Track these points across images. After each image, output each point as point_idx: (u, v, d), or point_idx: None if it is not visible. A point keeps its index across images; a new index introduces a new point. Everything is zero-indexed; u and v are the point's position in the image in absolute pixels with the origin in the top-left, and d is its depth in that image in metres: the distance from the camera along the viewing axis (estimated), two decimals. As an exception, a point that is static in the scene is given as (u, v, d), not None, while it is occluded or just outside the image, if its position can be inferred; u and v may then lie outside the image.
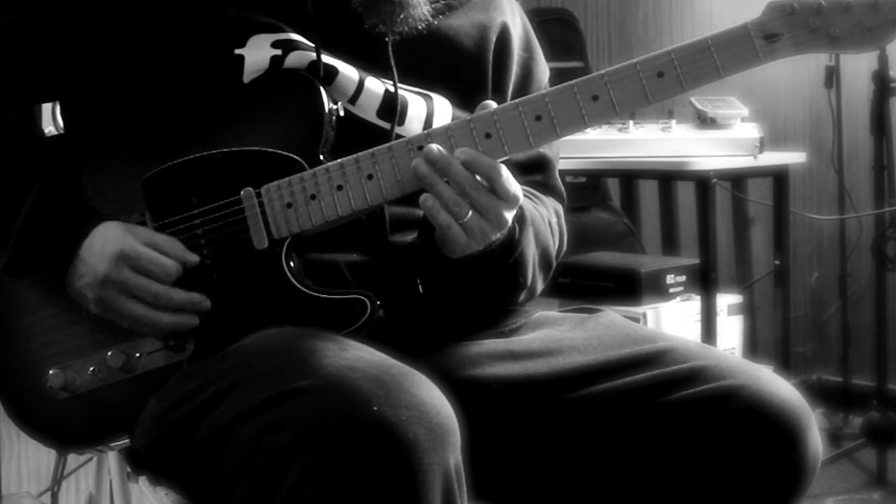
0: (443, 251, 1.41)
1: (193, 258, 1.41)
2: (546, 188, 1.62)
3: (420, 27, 1.46)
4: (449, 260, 1.41)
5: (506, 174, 1.36)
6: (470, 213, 1.36)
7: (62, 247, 1.41)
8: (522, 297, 1.54)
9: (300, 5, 1.45)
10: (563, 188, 1.66)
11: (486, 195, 1.35)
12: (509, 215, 1.39)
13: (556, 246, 1.59)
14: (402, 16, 1.44)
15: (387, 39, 1.45)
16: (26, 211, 1.41)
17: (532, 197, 1.57)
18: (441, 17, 1.52)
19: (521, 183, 1.57)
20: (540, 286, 1.56)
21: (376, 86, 1.47)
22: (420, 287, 1.46)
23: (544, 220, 1.55)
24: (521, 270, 1.49)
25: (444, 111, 1.51)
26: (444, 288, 1.47)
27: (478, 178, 1.35)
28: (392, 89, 1.47)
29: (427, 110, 1.50)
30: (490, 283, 1.49)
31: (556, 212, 1.61)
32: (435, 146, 1.35)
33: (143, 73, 1.45)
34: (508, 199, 1.37)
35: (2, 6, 1.46)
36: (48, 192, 1.43)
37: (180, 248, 1.41)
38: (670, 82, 1.35)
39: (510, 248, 1.44)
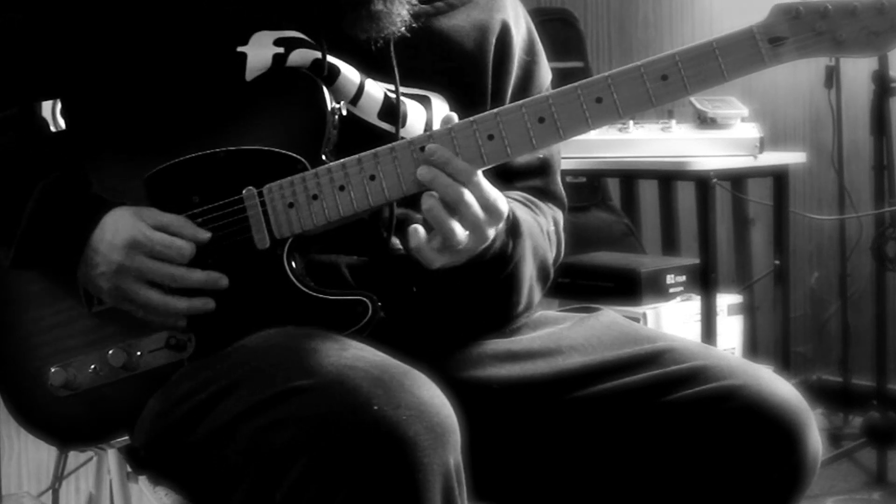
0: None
1: (205, 235, 1.41)
2: (545, 194, 1.62)
3: (402, 29, 1.45)
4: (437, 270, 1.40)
5: (485, 183, 1.36)
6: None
7: (72, 237, 1.41)
8: (520, 309, 1.53)
9: (303, 4, 1.45)
10: (563, 193, 1.65)
11: (475, 212, 1.35)
12: (492, 231, 1.38)
13: (554, 255, 1.59)
14: (382, 23, 1.44)
15: (372, 47, 1.45)
16: (33, 203, 1.41)
17: (531, 206, 1.57)
18: (442, 16, 1.52)
19: (519, 188, 1.58)
20: (538, 297, 1.56)
21: (376, 90, 1.47)
22: (414, 289, 1.46)
23: (543, 230, 1.55)
24: (515, 285, 1.48)
25: (442, 116, 1.51)
26: (436, 295, 1.47)
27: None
28: (391, 94, 1.47)
29: (426, 118, 1.50)
30: (482, 295, 1.48)
31: (555, 220, 1.61)
32: (435, 146, 1.35)
33: (145, 71, 1.45)
34: (490, 212, 1.36)
35: (4, 5, 1.46)
36: (54, 184, 1.43)
37: (190, 227, 1.41)
38: (674, 85, 1.35)
39: (503, 261, 1.44)
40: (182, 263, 1.40)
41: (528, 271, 1.50)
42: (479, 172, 1.37)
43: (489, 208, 1.36)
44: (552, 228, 1.58)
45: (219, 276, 1.41)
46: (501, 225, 1.41)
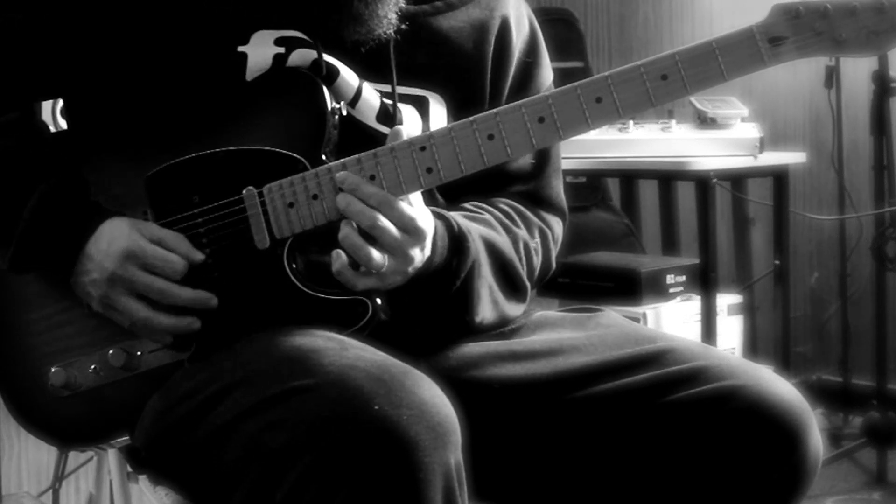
0: None
1: (199, 255, 1.41)
2: (538, 199, 1.61)
3: (390, 32, 1.45)
4: None
5: (399, 206, 1.35)
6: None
7: (68, 243, 1.40)
8: (485, 323, 1.51)
9: (303, 5, 1.45)
10: (562, 198, 1.64)
11: (391, 235, 1.35)
12: (415, 251, 1.37)
13: (539, 267, 1.58)
14: (366, 26, 1.44)
15: (362, 50, 1.45)
16: (32, 207, 1.41)
17: (513, 216, 1.56)
18: (441, 16, 1.52)
19: (511, 193, 1.57)
20: (511, 310, 1.54)
21: (372, 95, 1.47)
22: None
23: (518, 243, 1.53)
24: (469, 300, 1.47)
25: (438, 119, 1.51)
26: (398, 307, 1.45)
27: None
28: (387, 100, 1.47)
29: (422, 126, 1.49)
30: (438, 309, 1.47)
31: (542, 230, 1.59)
32: (345, 173, 1.36)
33: (146, 71, 1.45)
34: (409, 232, 1.36)
35: (4, 5, 1.46)
36: (54, 189, 1.42)
37: (186, 245, 1.41)
38: (674, 85, 1.35)
39: (448, 278, 1.44)
40: (174, 280, 1.40)
41: (485, 286, 1.49)
42: (407, 196, 1.36)
43: (408, 229, 1.36)
44: (536, 241, 1.57)
45: (209, 296, 1.40)
46: (440, 242, 1.41)
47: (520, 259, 1.54)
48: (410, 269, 1.38)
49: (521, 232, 1.55)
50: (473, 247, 1.46)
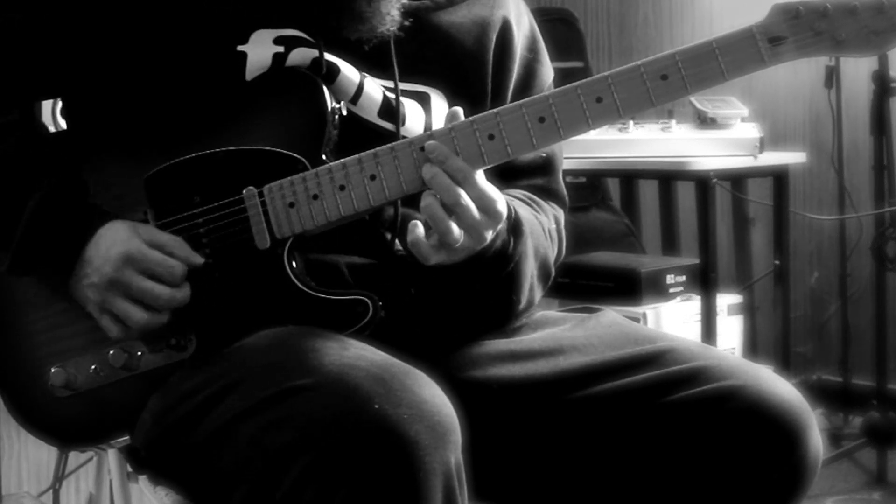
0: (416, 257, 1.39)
1: (198, 259, 1.41)
2: (548, 192, 1.62)
3: (393, 29, 1.45)
4: (438, 267, 1.40)
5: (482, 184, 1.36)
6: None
7: (67, 247, 1.40)
8: (521, 307, 1.53)
9: (303, 4, 1.45)
10: (565, 192, 1.65)
11: (472, 213, 1.35)
12: (489, 233, 1.38)
13: (555, 254, 1.59)
14: (370, 24, 1.44)
15: (365, 48, 1.45)
16: (31, 210, 1.41)
17: (533, 204, 1.57)
18: (442, 12, 1.52)
19: (522, 186, 1.58)
20: (538, 296, 1.56)
21: (374, 90, 1.47)
22: (412, 291, 1.46)
23: (544, 229, 1.55)
24: (515, 283, 1.48)
25: (440, 115, 1.51)
26: (436, 295, 1.47)
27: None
28: (389, 94, 1.47)
29: (425, 120, 1.49)
30: (482, 293, 1.48)
31: (556, 218, 1.61)
32: (434, 143, 1.36)
33: (145, 71, 1.45)
34: (488, 213, 1.36)
35: (4, 5, 1.46)
36: (53, 191, 1.42)
37: (185, 249, 1.41)
38: (674, 85, 1.35)
39: (504, 259, 1.44)
40: (173, 284, 1.40)
41: (529, 270, 1.50)
42: (480, 172, 1.37)
43: (487, 210, 1.36)
44: (553, 227, 1.58)
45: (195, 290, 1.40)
46: (501, 225, 1.41)
47: (550, 243, 1.55)
48: (479, 248, 1.39)
49: (543, 218, 1.56)
50: (528, 230, 1.47)
